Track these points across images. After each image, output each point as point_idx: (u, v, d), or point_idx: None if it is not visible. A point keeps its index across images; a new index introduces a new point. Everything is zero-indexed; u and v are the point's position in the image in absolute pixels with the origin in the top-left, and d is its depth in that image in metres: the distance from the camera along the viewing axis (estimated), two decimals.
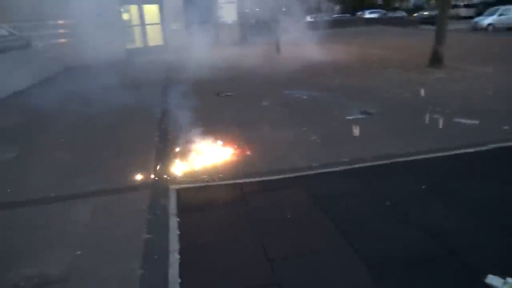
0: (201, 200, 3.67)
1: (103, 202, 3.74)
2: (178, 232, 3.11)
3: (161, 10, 19.65)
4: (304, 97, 7.62)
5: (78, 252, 2.92)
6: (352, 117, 6.01)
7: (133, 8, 19.02)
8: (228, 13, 22.61)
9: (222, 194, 3.77)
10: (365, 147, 4.77)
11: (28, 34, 14.24)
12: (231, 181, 4.00)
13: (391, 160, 4.32)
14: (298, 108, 6.88)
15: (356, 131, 5.20)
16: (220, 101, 7.73)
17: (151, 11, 19.39)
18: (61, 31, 16.02)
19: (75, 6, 15.71)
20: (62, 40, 15.88)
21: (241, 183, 3.94)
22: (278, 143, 5.08)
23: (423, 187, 3.66)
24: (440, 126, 5.32)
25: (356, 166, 4.23)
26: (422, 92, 7.20)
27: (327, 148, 4.83)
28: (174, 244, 2.94)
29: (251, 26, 23.86)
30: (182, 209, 3.48)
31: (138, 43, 19.45)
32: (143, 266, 2.72)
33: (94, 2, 16.10)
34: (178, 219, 3.30)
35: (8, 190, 4.11)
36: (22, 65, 12.22)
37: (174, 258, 2.76)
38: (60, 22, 15.91)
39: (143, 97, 8.63)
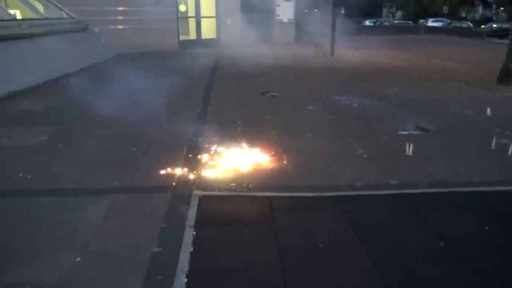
0: (224, 212, 3.27)
1: (120, 201, 3.44)
2: (191, 249, 2.72)
3: (217, 3, 19.52)
4: (354, 104, 7.04)
5: (79, 259, 2.61)
6: (406, 132, 5.39)
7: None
8: (284, 11, 22.14)
9: (247, 208, 3.35)
10: (418, 169, 4.17)
11: (86, 18, 14.55)
12: (260, 194, 3.57)
13: (449, 189, 3.71)
14: (346, 116, 6.33)
15: (409, 149, 4.60)
16: (264, 102, 7.32)
17: (208, 4, 19.30)
18: (118, 17, 16.24)
19: None
20: (118, 27, 16.11)
21: (269, 197, 3.49)
22: (319, 154, 4.59)
23: (486, 228, 3.05)
24: (510, 153, 4.60)
25: (406, 191, 3.66)
26: (489, 111, 6.40)
27: (374, 166, 4.28)
28: (183, 264, 2.56)
29: (308, 26, 23.29)
30: (201, 221, 3.10)
31: (192, 35, 19.44)
32: (144, 286, 2.35)
33: None
34: (194, 233, 2.92)
35: (29, 176, 3.92)
36: (76, 48, 12.46)
37: (180, 282, 2.37)
38: (117, 8, 16.12)
39: (187, 90, 8.42)
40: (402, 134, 5.30)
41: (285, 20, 22.30)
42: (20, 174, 3.95)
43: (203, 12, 19.29)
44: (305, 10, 27.95)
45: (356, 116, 6.31)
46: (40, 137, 5.11)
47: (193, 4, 18.96)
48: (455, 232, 2.99)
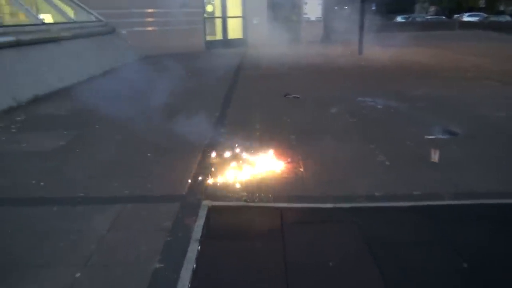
0: (231, 224, 3.13)
1: (128, 212, 3.35)
2: (194, 266, 2.59)
3: (243, 3, 19.42)
4: (379, 106, 6.75)
5: (78, 275, 2.53)
6: (433, 136, 5.08)
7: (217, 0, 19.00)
8: (312, 9, 21.78)
9: (256, 220, 3.19)
10: (444, 178, 3.90)
11: (113, 21, 14.76)
12: (271, 204, 3.40)
13: (478, 201, 3.43)
14: (370, 119, 6.06)
15: (435, 155, 4.31)
16: (285, 104, 7.13)
17: (234, 4, 19.23)
18: (144, 19, 16.41)
19: None
20: (144, 29, 16.27)
21: (281, 208, 3.32)
22: (338, 161, 4.37)
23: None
24: None
25: (429, 203, 3.41)
26: None
27: (396, 174, 4.03)
28: (184, 282, 2.43)
29: (336, 24, 22.88)
30: (207, 234, 2.96)
31: (218, 36, 19.42)
32: None
33: None
34: (199, 248, 2.79)
35: (41, 184, 3.90)
36: (103, 51, 12.63)
37: None
38: (144, 11, 16.29)
39: (208, 92, 8.36)
40: (428, 139, 5.00)
41: (312, 18, 21.95)
42: (33, 182, 3.94)
43: (230, 12, 19.23)
44: (335, 8, 27.54)
45: (380, 119, 6.04)
46: (59, 142, 5.13)
47: (220, 4, 18.93)
48: (482, 253, 2.72)
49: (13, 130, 5.76)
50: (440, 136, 5.11)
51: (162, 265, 2.61)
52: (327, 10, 22.37)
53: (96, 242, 2.89)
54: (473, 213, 3.26)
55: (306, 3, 21.71)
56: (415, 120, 5.87)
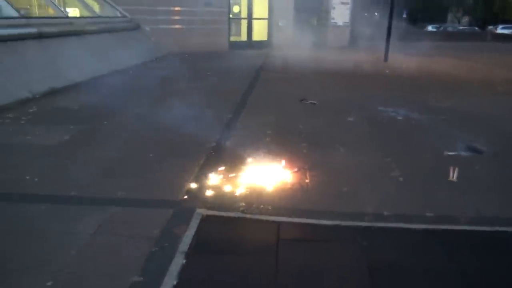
0: (224, 237, 2.90)
1: (118, 215, 3.17)
2: (175, 282, 2.38)
3: (270, 5, 19.21)
4: (399, 117, 6.40)
5: (50, 283, 2.35)
6: (454, 153, 4.73)
7: (244, 0, 18.84)
8: (340, 14, 21.38)
9: (251, 234, 2.95)
10: (462, 200, 3.57)
11: (138, 17, 14.81)
12: (269, 218, 3.16)
13: (498, 228, 3.10)
14: (388, 130, 5.74)
15: (454, 174, 3.98)
16: (301, 110, 6.87)
17: (260, 5, 19.05)
18: (169, 17, 16.41)
19: None
20: (169, 27, 16.27)
21: (279, 223, 3.07)
22: (349, 174, 4.09)
23: None
24: None
25: (443, 227, 3.09)
26: None
27: (409, 192, 3.72)
28: None
29: (364, 30, 22.44)
30: (195, 247, 2.74)
31: (243, 37, 19.29)
32: None
33: None
34: (184, 261, 2.57)
35: (36, 180, 3.77)
36: (125, 46, 12.64)
37: None
38: (169, 8, 16.29)
39: (225, 93, 8.17)
40: (449, 155, 4.65)
41: (340, 23, 21.55)
42: (28, 177, 3.81)
43: (256, 14, 19.08)
44: (364, 14, 27.04)
45: (399, 131, 5.70)
46: (63, 137, 5.02)
47: (246, 5, 18.79)
48: (500, 285, 2.42)
49: (22, 122, 5.71)
50: (463, 153, 4.75)
51: (141, 278, 2.41)
52: (355, 16, 21.95)
53: (77, 247, 2.71)
54: (493, 241, 2.93)
55: (334, 8, 21.34)
56: (437, 134, 5.52)
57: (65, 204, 3.33)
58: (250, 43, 18.84)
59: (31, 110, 6.34)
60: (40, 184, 3.70)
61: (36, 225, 3.00)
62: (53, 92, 7.64)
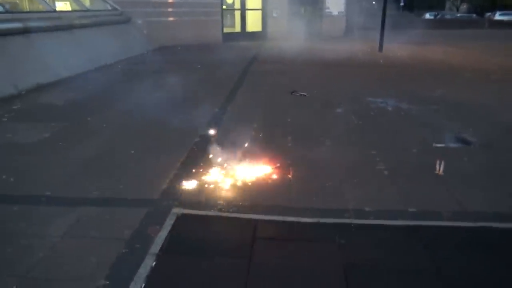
0: (197, 237, 2.81)
1: (90, 215, 3.08)
2: (143, 285, 2.30)
3: None
4: (389, 108, 6.30)
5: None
6: (442, 144, 4.64)
7: None
8: (335, 3, 21.15)
9: (226, 233, 2.87)
10: (448, 194, 3.48)
11: (130, 10, 14.60)
12: (246, 216, 3.07)
13: (481, 223, 3.01)
14: (377, 121, 5.64)
15: (440, 166, 3.89)
16: (290, 102, 6.76)
17: None
18: (161, 9, 16.19)
19: None
20: (161, 19, 16.05)
21: (256, 221, 2.99)
22: (332, 168, 4.00)
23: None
24: None
25: (425, 223, 3.01)
26: None
27: (393, 186, 3.63)
28: None
29: (360, 19, 22.25)
30: (168, 247, 2.66)
31: (236, 28, 19.08)
32: None
33: None
34: (154, 263, 2.49)
35: (11, 179, 3.68)
36: (116, 40, 12.49)
37: None
38: (161, 1, 16.07)
39: (214, 86, 8.13)
40: (437, 147, 4.56)
41: (334, 13, 21.33)
42: (4, 176, 3.72)
43: (249, 5, 18.86)
44: (362, 2, 26.74)
45: (387, 122, 5.60)
46: (44, 134, 4.92)
47: None
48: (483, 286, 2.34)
49: (4, 120, 5.60)
50: (451, 145, 4.66)
51: (108, 282, 2.33)
52: (350, 5, 21.71)
53: (46, 250, 2.63)
54: (475, 237, 2.85)
55: None
56: (426, 125, 5.42)
57: (38, 205, 3.24)
58: (244, 35, 18.63)
59: (15, 107, 6.23)
60: (15, 184, 3.61)
61: (7, 227, 2.92)
62: (39, 88, 7.52)
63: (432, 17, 38.00)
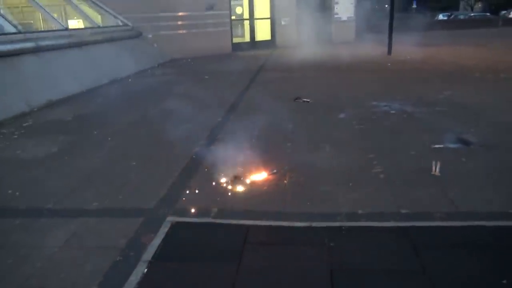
0: (190, 244, 2.88)
1: (88, 226, 3.18)
2: None
3: (272, 4, 19.14)
4: (392, 111, 6.29)
5: None
6: (441, 145, 4.62)
7: (245, 1, 18.81)
8: (344, 9, 21.18)
9: (218, 239, 2.93)
10: (443, 195, 3.47)
11: (141, 25, 14.93)
12: (238, 221, 3.13)
13: (478, 222, 2.99)
14: (378, 125, 5.64)
15: (437, 168, 3.88)
16: (293, 108, 6.81)
17: (262, 5, 19.00)
18: (171, 23, 16.47)
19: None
20: (171, 32, 16.33)
21: (248, 226, 3.04)
22: (330, 173, 4.03)
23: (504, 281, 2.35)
24: None
25: (416, 224, 3.01)
26: None
27: (388, 189, 3.64)
28: None
29: (371, 24, 22.16)
30: (160, 255, 2.74)
31: (246, 38, 19.27)
32: None
33: None
34: (145, 270, 2.57)
35: (16, 194, 3.83)
36: (126, 55, 12.76)
37: None
38: (170, 14, 16.35)
39: (219, 95, 8.18)
40: (435, 148, 4.54)
41: (344, 18, 21.36)
42: (10, 191, 3.87)
43: (258, 14, 19.04)
44: (373, 6, 26.65)
45: (389, 126, 5.60)
46: (51, 149, 5.09)
47: (248, 6, 18.76)
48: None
49: (15, 136, 5.80)
50: (450, 145, 4.63)
51: None
52: (361, 9, 21.69)
53: (43, 260, 2.73)
54: (466, 238, 2.83)
55: (337, 3, 21.15)
56: (428, 127, 5.40)
57: (39, 217, 3.35)
58: (254, 44, 18.81)
59: (25, 124, 6.44)
60: (20, 198, 3.75)
61: (8, 238, 3.04)
62: (50, 105, 7.75)
63: (445, 18, 37.66)
